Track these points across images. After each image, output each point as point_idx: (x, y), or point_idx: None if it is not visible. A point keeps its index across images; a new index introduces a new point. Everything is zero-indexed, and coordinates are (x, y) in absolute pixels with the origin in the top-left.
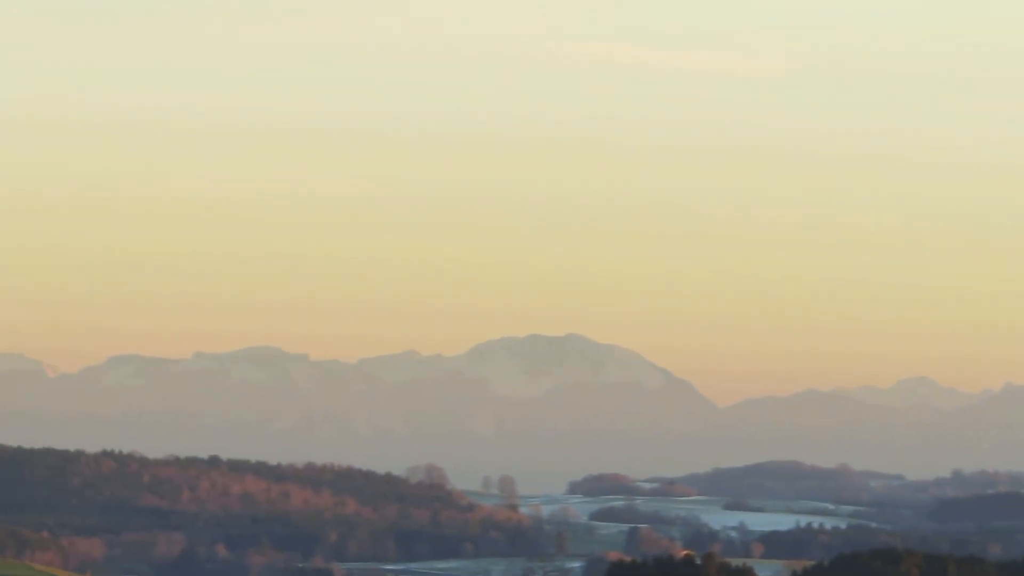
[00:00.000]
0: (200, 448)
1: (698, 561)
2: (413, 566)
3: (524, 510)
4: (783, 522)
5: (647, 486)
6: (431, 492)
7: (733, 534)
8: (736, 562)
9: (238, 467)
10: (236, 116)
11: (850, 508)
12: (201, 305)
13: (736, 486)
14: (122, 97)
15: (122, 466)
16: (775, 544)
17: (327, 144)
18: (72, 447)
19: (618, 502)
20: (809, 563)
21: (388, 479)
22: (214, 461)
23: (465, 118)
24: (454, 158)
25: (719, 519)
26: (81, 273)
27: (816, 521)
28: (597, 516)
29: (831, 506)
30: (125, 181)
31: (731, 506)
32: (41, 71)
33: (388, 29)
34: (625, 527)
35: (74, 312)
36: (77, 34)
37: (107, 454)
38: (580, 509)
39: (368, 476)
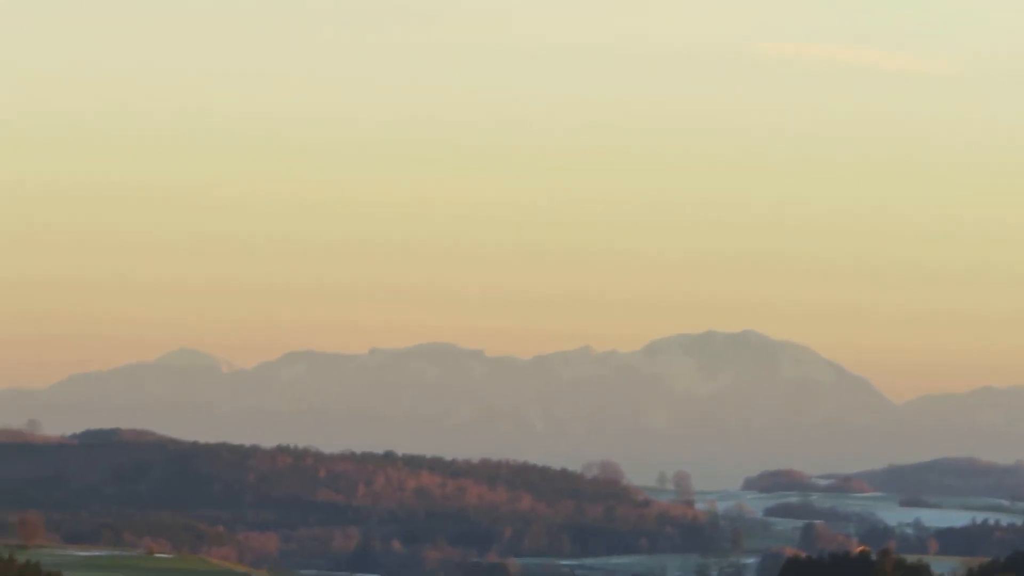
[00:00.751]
0: (376, 444)
1: (873, 557)
2: (588, 561)
3: (699, 506)
4: (959, 519)
5: (822, 482)
6: (606, 488)
7: (908, 531)
8: (911, 559)
9: (414, 463)
10: (393, 116)
11: None
12: (377, 301)
13: (912, 482)
14: (283, 94)
15: (298, 461)
16: (951, 541)
17: (509, 143)
18: (248, 442)
19: (793, 498)
20: (985, 560)
21: (563, 475)
22: (390, 456)
23: (647, 119)
24: (638, 160)
25: (895, 515)
26: (257, 268)
27: (992, 518)
28: (772, 512)
29: (1007, 503)
30: (299, 177)
31: (907, 502)
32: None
33: (591, 29)
34: (800, 523)
35: (250, 307)
36: (197, 43)
37: (283, 449)
38: (755, 505)
39: (543, 472)
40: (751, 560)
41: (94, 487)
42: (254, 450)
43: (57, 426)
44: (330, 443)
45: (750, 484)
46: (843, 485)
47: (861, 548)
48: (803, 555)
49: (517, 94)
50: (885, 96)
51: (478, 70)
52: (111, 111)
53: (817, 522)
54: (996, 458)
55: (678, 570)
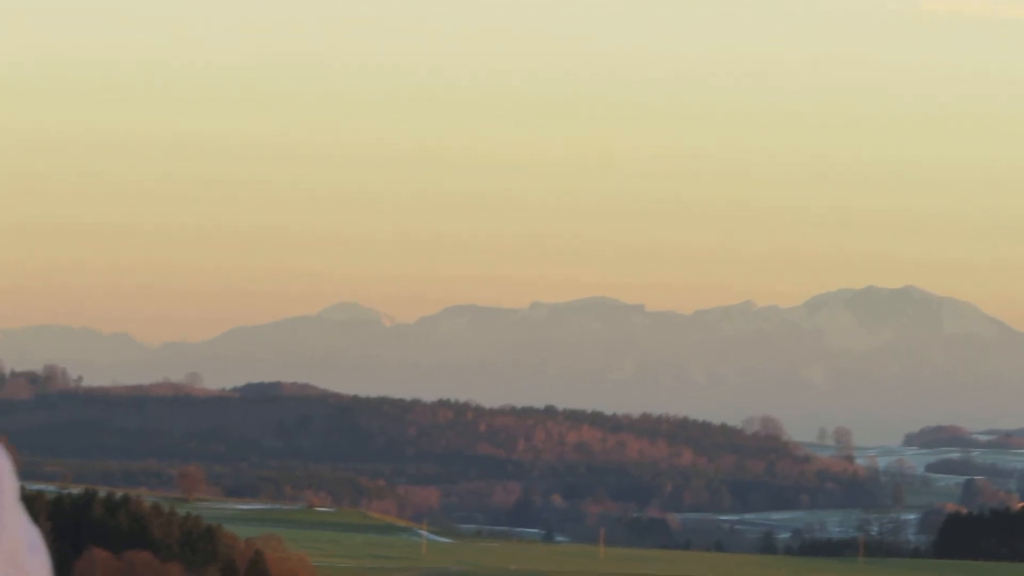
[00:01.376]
0: (536, 398)
1: None
2: (748, 517)
3: (860, 462)
4: None
5: (983, 438)
6: (766, 443)
7: None
8: None
9: (574, 417)
10: (564, 71)
11: None
12: (539, 255)
13: None
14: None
15: (458, 415)
16: None
17: (676, 97)
18: (408, 396)
19: (954, 454)
20: None
21: (723, 430)
22: (550, 411)
23: (809, 76)
24: (801, 118)
25: None
26: (418, 222)
27: None
28: (933, 468)
29: None
30: (464, 133)
31: None
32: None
33: None
34: (961, 479)
35: (411, 262)
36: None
37: (443, 403)
38: (916, 461)
39: (704, 427)
40: (912, 516)
41: (255, 440)
42: (415, 404)
43: (218, 379)
44: (491, 397)
45: (911, 440)
46: (1005, 441)
47: (1022, 504)
48: (964, 511)
49: (668, 48)
50: None
51: (651, 20)
52: (268, 65)
53: (978, 478)
54: None
55: (838, 526)
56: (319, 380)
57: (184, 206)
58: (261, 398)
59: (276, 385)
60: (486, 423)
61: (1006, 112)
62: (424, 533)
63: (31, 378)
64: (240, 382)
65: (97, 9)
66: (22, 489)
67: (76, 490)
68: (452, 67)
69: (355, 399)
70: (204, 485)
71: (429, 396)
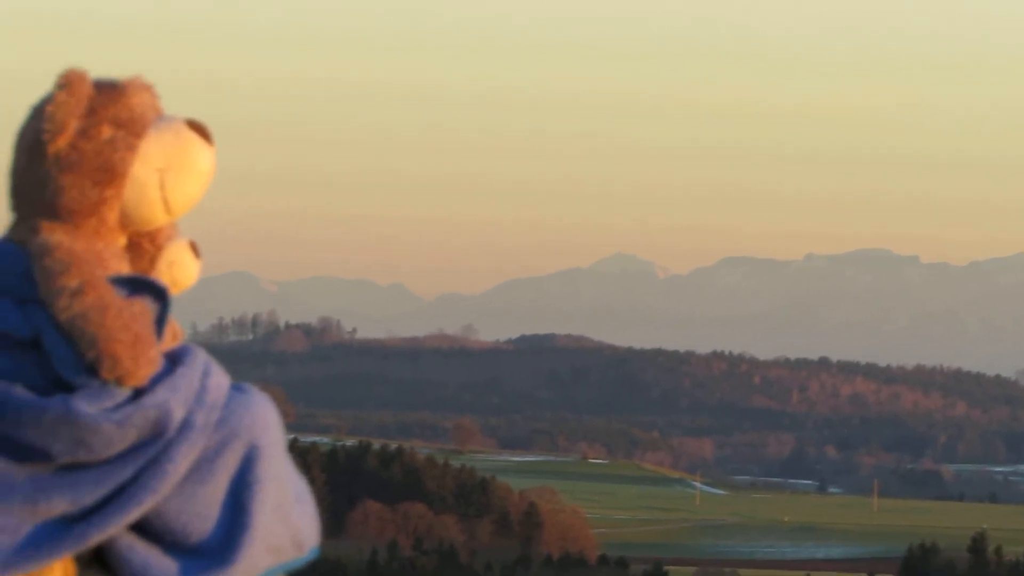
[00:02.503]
0: (810, 350)
1: None
2: (1022, 468)
3: None
4: None
5: None
6: None
7: None
8: None
9: (848, 369)
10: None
11: None
12: (814, 206)
13: None
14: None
15: (732, 367)
16: None
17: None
18: (683, 348)
19: None
20: None
21: (998, 381)
22: (824, 363)
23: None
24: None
25: None
26: (693, 172)
27: None
28: None
29: None
30: (721, 84)
31: None
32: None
33: None
34: None
35: (687, 213)
36: None
37: (717, 355)
38: None
39: (978, 378)
40: None
41: (529, 392)
42: (689, 356)
43: (492, 331)
44: (765, 349)
45: None
46: None
47: None
48: None
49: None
50: None
51: None
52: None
53: None
54: None
55: None
56: (593, 332)
57: (456, 157)
58: (535, 350)
59: (550, 337)
60: (760, 375)
61: None
62: (698, 485)
63: (306, 330)
64: (514, 334)
65: None
66: (296, 441)
67: (351, 442)
68: (729, 19)
69: (629, 351)
70: (479, 437)
71: (703, 348)
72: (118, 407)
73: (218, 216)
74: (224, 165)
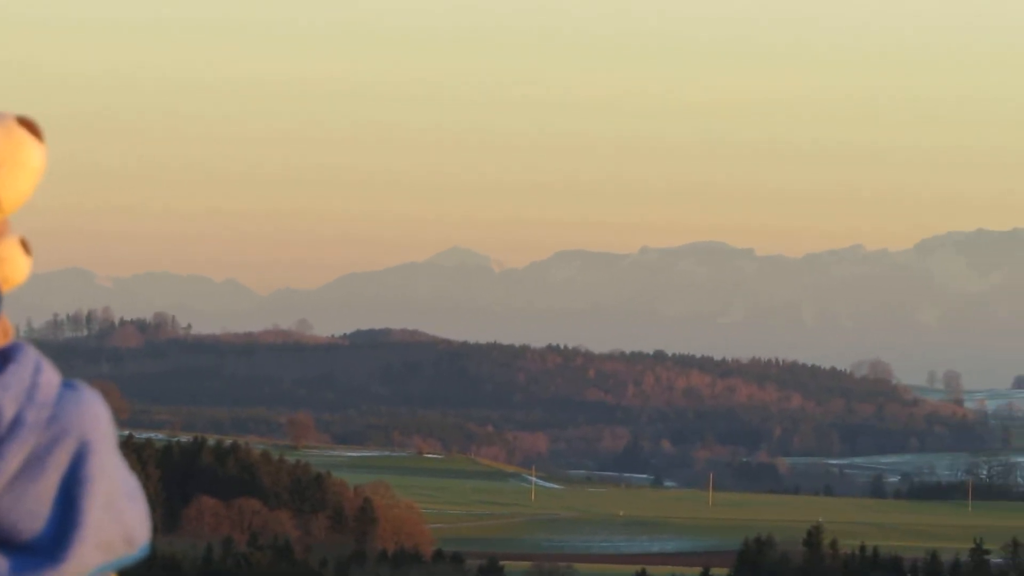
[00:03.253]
0: (646, 343)
1: None
2: (857, 460)
3: (969, 405)
4: None
5: None
6: (876, 387)
7: None
8: None
9: (683, 362)
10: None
11: None
12: (650, 199)
13: None
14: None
15: (568, 361)
16: None
17: (781, 38)
18: (518, 342)
19: None
20: None
21: (833, 373)
22: (659, 356)
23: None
24: (911, 55)
25: None
26: (527, 166)
27: None
28: None
29: None
30: (556, 75)
31: None
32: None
33: None
34: None
35: (521, 207)
36: None
37: (553, 349)
38: None
39: (813, 371)
40: (1021, 459)
41: (364, 387)
42: (524, 350)
43: (328, 326)
44: (600, 343)
45: (1021, 383)
46: None
47: None
48: None
49: None
50: None
51: None
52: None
53: None
54: None
55: (947, 469)
56: (429, 327)
57: (293, 150)
58: (370, 345)
59: (386, 332)
60: (595, 368)
61: None
62: (533, 479)
63: (140, 326)
64: (350, 329)
65: None
66: (131, 437)
67: (185, 438)
68: (571, 7)
69: (464, 345)
70: (313, 432)
71: (538, 342)
72: None
73: (52, 212)
74: (56, 160)
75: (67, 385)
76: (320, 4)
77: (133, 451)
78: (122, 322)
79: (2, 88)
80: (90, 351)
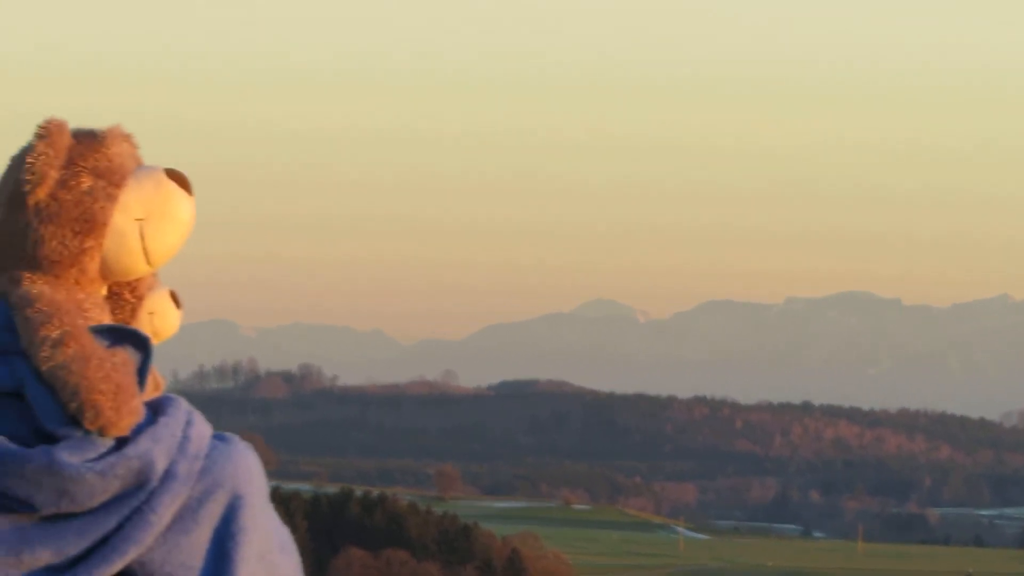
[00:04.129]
0: (793, 393)
1: None
2: (1008, 511)
3: None
4: None
5: None
6: None
7: None
8: None
9: (831, 412)
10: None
11: None
12: (793, 249)
13: None
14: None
15: (714, 412)
16: None
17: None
18: (664, 393)
19: None
20: None
21: (982, 424)
22: (807, 407)
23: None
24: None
25: None
26: (671, 216)
27: None
28: None
29: None
30: (701, 122)
31: None
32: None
33: None
34: None
35: (666, 257)
36: None
37: (699, 400)
38: None
39: (962, 421)
40: None
41: (511, 438)
42: (671, 400)
43: (473, 377)
44: (747, 393)
45: None
46: None
47: None
48: None
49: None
50: None
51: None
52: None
53: None
54: None
55: None
56: (574, 377)
57: (437, 200)
58: (517, 395)
59: (532, 382)
60: (742, 419)
61: None
62: (681, 530)
63: (286, 377)
64: (495, 379)
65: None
66: (279, 489)
67: (332, 489)
68: (655, 54)
69: (611, 396)
70: (460, 483)
71: (685, 392)
72: (101, 457)
73: (197, 263)
74: (203, 212)
75: (219, 437)
76: (467, 56)
77: (281, 502)
78: (268, 373)
79: (152, 141)
80: (236, 402)
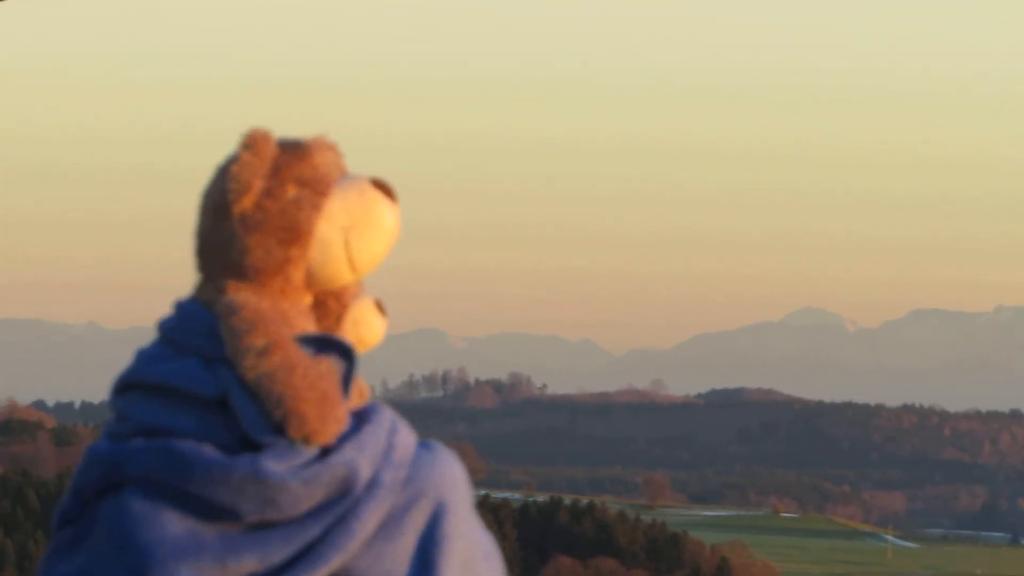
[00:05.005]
0: (1002, 402)
1: None
2: None
3: None
4: None
5: None
6: None
7: None
8: None
9: None
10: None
11: None
12: (1002, 257)
13: None
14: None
15: (923, 420)
16: None
17: None
18: (872, 401)
19: None
20: None
21: None
22: (1016, 415)
23: None
24: None
25: None
26: (879, 225)
27: None
28: None
29: None
30: (895, 133)
31: None
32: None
33: None
34: None
35: (875, 266)
36: None
37: (908, 408)
38: None
39: None
40: None
41: (719, 447)
42: (879, 409)
43: (682, 386)
44: (955, 401)
45: None
46: None
47: None
48: None
49: None
50: None
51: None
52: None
53: None
54: None
55: None
56: (783, 385)
57: (647, 212)
58: (725, 404)
59: (740, 391)
60: (951, 427)
61: None
62: (890, 538)
63: (496, 386)
64: (704, 388)
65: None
66: (488, 497)
67: (542, 498)
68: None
69: (819, 404)
70: (669, 492)
71: (893, 401)
72: (305, 465)
73: (406, 273)
74: (409, 221)
75: (423, 446)
76: (692, 68)
77: (490, 511)
78: (477, 382)
79: (358, 151)
80: (445, 411)
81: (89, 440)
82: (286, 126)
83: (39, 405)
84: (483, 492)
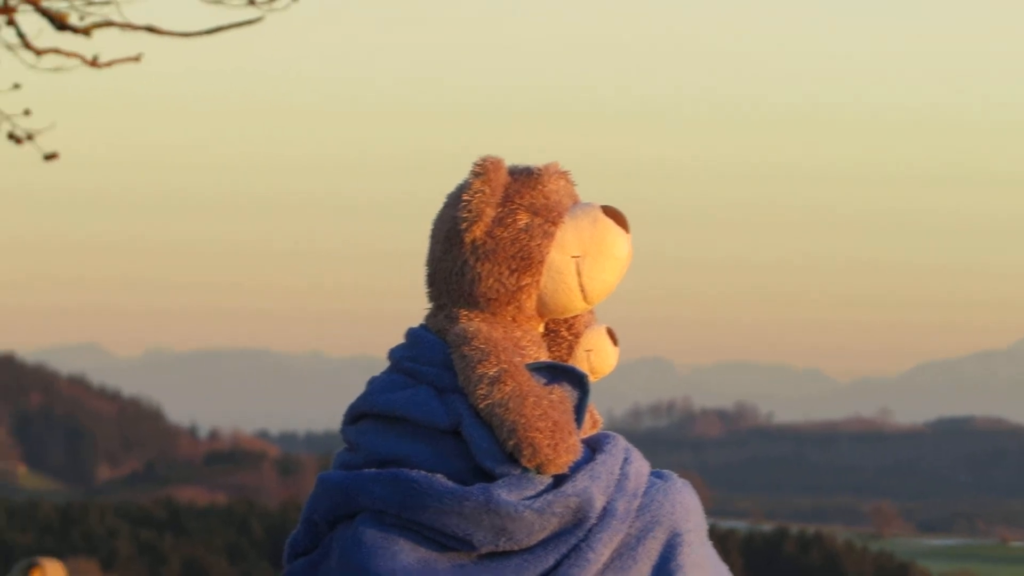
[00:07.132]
0: None
1: None
2: None
3: None
4: None
5: None
6: None
7: None
8: None
9: None
10: None
11: None
12: None
13: None
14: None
15: None
16: None
17: None
18: None
19: None
20: None
21: None
22: None
23: None
24: None
25: None
26: None
27: None
28: None
29: None
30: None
31: None
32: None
33: None
34: None
35: None
36: None
37: None
38: None
39: None
40: None
41: (948, 475)
42: None
43: (909, 414)
44: None
45: None
46: None
47: None
48: None
49: None
50: None
51: None
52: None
53: None
54: None
55: None
56: (1011, 413)
57: (875, 240)
58: (953, 432)
59: (968, 419)
60: None
61: None
62: None
63: (721, 414)
64: (931, 416)
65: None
66: (715, 526)
67: (768, 527)
68: None
69: None
70: (898, 521)
71: None
72: (538, 495)
73: (634, 301)
74: (639, 250)
75: (657, 475)
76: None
77: (717, 540)
78: (703, 411)
79: (590, 178)
80: (671, 440)
81: (313, 470)
82: (517, 153)
83: (263, 435)
84: (710, 521)
